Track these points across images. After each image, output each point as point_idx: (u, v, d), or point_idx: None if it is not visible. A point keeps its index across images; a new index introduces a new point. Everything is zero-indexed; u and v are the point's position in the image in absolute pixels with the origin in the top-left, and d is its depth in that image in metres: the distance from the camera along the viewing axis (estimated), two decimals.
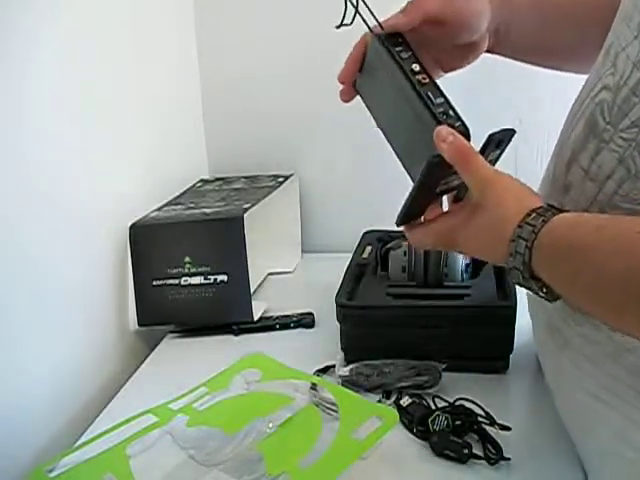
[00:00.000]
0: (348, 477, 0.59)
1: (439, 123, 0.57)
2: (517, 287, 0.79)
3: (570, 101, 0.65)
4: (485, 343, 0.79)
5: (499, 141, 0.59)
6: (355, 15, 0.60)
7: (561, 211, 0.52)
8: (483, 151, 0.58)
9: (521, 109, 1.12)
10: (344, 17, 0.61)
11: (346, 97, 0.65)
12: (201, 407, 0.73)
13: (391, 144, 0.63)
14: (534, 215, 0.51)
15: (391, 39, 0.61)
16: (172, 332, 0.98)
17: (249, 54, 1.21)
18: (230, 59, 1.22)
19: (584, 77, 0.64)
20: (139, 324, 0.96)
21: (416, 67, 0.59)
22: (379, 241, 0.99)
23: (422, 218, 0.62)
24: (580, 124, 0.58)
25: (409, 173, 0.61)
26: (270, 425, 0.66)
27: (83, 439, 0.72)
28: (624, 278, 0.44)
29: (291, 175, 1.20)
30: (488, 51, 0.69)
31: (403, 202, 0.61)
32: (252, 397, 0.74)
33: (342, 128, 1.21)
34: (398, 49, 0.60)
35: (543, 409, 0.72)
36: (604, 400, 0.55)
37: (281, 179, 1.18)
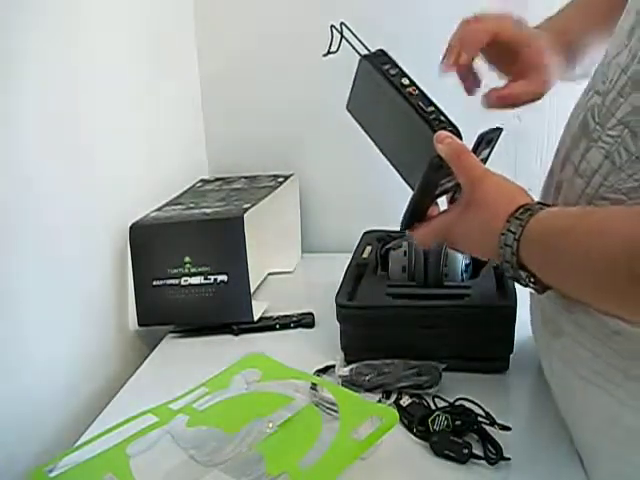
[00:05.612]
0: (348, 477, 0.59)
1: (433, 128, 0.61)
2: (517, 287, 0.80)
3: (569, 101, 0.66)
4: (485, 343, 0.79)
5: (489, 140, 0.63)
6: (341, 42, 0.65)
7: (548, 206, 0.56)
8: (475, 150, 0.62)
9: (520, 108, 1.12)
10: (331, 45, 0.65)
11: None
12: (201, 407, 0.73)
13: (388, 157, 0.68)
14: (522, 210, 0.55)
15: (378, 59, 0.65)
16: (172, 332, 0.98)
17: (249, 54, 1.21)
18: (230, 59, 1.22)
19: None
20: (139, 324, 0.96)
21: (405, 81, 0.64)
22: (379, 241, 0.98)
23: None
24: (574, 126, 0.61)
25: (407, 181, 0.66)
26: (270, 425, 0.66)
27: (83, 439, 0.72)
28: (600, 253, 0.48)
29: (291, 175, 1.20)
30: None
31: (405, 208, 0.65)
32: (252, 397, 0.74)
33: (342, 128, 1.20)
34: (386, 67, 0.64)
35: (543, 409, 0.72)
36: (596, 383, 0.57)
37: (281, 179, 1.18)
